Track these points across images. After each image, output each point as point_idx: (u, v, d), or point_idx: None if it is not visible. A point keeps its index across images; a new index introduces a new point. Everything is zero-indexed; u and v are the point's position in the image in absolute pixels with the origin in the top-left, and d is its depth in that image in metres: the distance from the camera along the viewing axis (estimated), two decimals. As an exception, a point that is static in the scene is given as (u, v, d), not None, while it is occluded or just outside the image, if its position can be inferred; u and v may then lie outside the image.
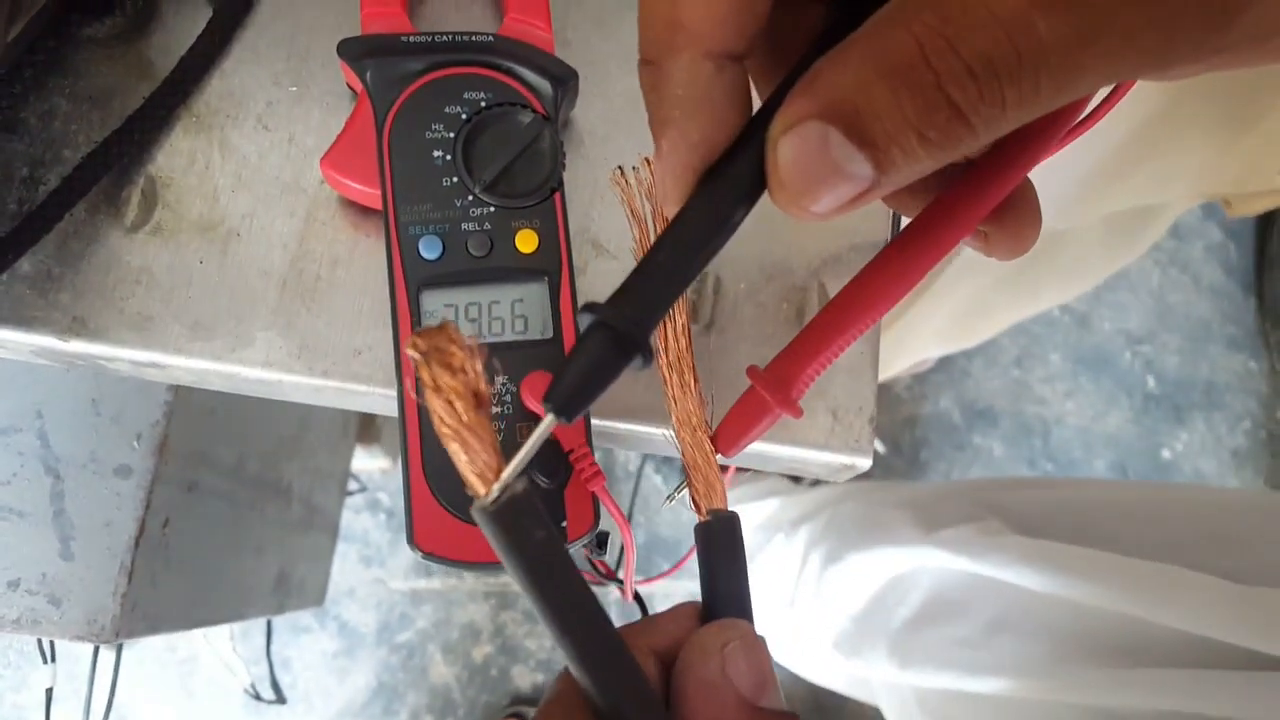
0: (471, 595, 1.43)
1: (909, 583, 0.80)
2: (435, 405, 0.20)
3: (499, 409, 0.35)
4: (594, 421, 0.38)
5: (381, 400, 0.38)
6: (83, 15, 0.38)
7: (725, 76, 0.22)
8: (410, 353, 0.20)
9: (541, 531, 0.20)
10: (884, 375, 1.38)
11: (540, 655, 1.42)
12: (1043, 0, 0.17)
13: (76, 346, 0.37)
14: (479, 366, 0.21)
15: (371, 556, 1.44)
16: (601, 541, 0.37)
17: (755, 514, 1.17)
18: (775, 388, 0.30)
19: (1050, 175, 0.73)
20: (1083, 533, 0.66)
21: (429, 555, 0.33)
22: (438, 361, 0.20)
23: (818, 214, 0.21)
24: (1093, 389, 1.64)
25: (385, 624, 1.42)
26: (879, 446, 1.52)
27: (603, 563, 0.38)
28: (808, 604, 0.93)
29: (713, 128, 0.22)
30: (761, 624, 0.27)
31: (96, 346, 0.37)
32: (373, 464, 1.33)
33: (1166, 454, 1.63)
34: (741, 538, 0.31)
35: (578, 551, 0.35)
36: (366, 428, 1.18)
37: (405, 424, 0.34)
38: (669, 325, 0.34)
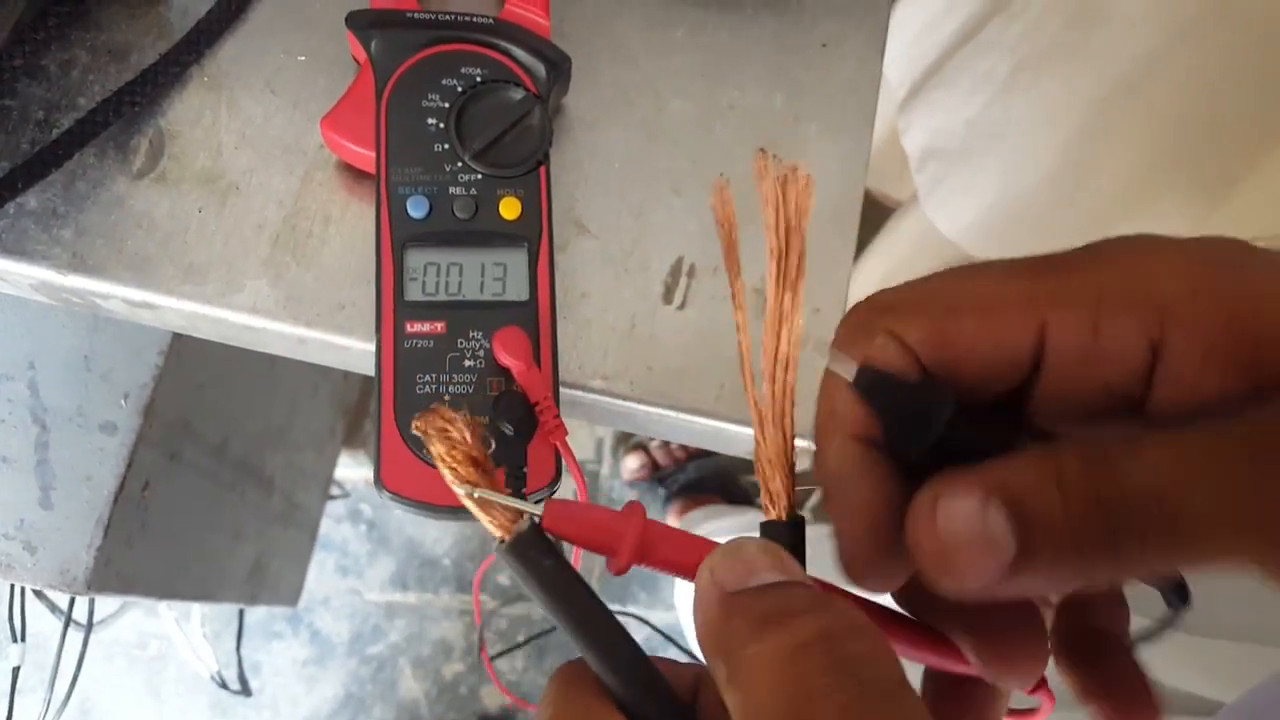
0: (446, 612, 1.43)
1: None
2: (444, 471, 0.24)
3: (472, 363, 0.36)
4: (605, 399, 0.40)
5: (360, 356, 0.40)
6: (109, -28, 0.40)
7: (871, 453, 0.24)
8: (416, 433, 0.25)
9: (549, 559, 0.24)
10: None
11: (510, 677, 1.41)
12: (1198, 467, 0.19)
13: (74, 281, 0.38)
14: (470, 437, 0.24)
15: (349, 567, 1.44)
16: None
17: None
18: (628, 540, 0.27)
19: (1026, 241, 0.75)
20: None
21: (395, 495, 0.35)
22: (439, 439, 0.24)
23: (957, 584, 0.21)
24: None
25: (358, 635, 1.42)
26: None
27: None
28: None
29: (865, 496, 0.24)
30: None
31: (93, 283, 0.38)
32: (358, 473, 1.34)
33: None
34: (805, 541, 0.29)
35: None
36: (353, 432, 1.19)
37: (381, 369, 0.36)
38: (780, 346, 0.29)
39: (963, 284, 0.24)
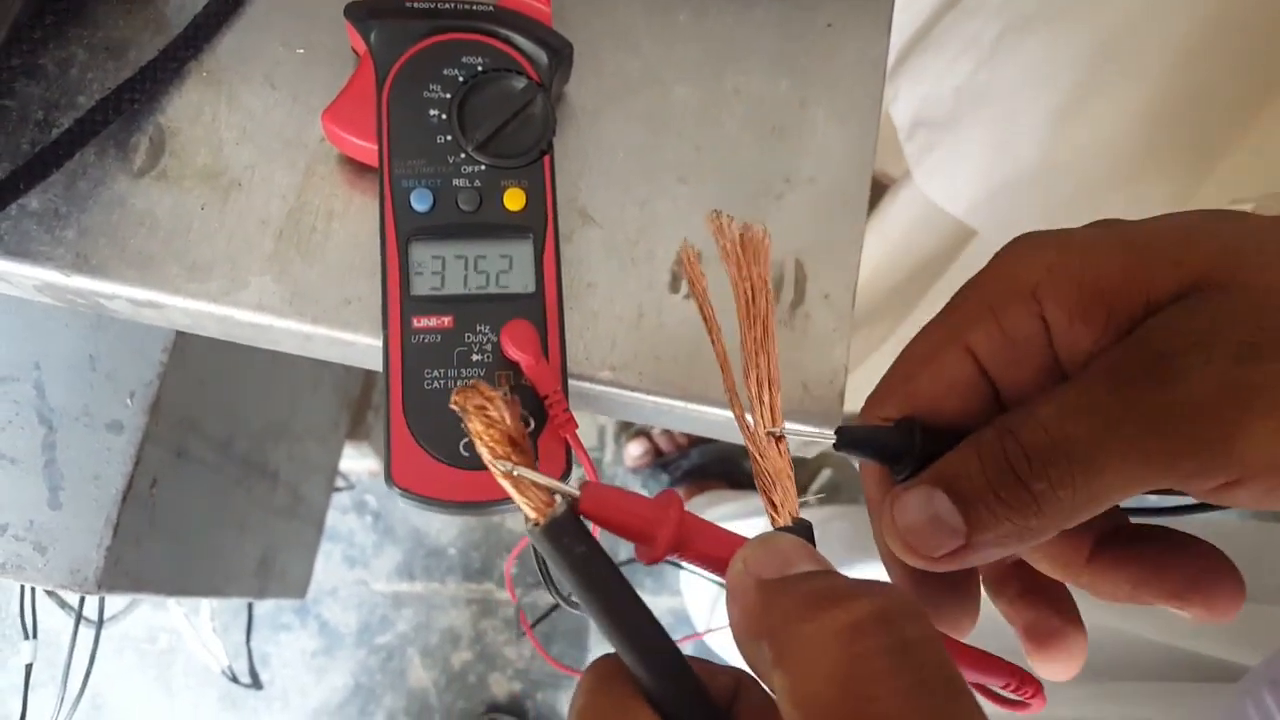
0: (453, 600, 1.43)
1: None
2: (481, 450, 0.24)
3: (480, 357, 0.36)
4: (613, 390, 0.40)
5: (367, 351, 0.39)
6: (104, -32, 0.40)
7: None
8: (454, 408, 0.24)
9: (582, 546, 0.23)
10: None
11: (519, 664, 1.42)
12: (1072, 407, 0.24)
13: (78, 282, 0.38)
14: (509, 416, 0.24)
15: (356, 557, 1.44)
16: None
17: (744, 532, 1.17)
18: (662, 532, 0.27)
19: (1019, 207, 0.75)
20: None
21: (405, 492, 0.35)
22: (477, 415, 0.24)
23: (927, 560, 0.27)
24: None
25: (366, 625, 1.42)
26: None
27: None
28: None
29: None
30: None
31: (97, 283, 0.38)
32: (363, 464, 1.34)
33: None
34: (815, 543, 0.31)
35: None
36: (357, 424, 1.19)
37: (389, 367, 0.36)
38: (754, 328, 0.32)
39: (911, 350, 0.30)
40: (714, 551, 0.26)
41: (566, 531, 0.23)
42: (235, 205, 0.39)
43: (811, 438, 0.41)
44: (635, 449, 1.50)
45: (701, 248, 0.32)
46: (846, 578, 0.21)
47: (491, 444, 0.23)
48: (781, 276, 0.42)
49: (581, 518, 0.24)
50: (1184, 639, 0.54)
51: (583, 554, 0.23)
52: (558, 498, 0.24)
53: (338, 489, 1.23)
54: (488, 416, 0.24)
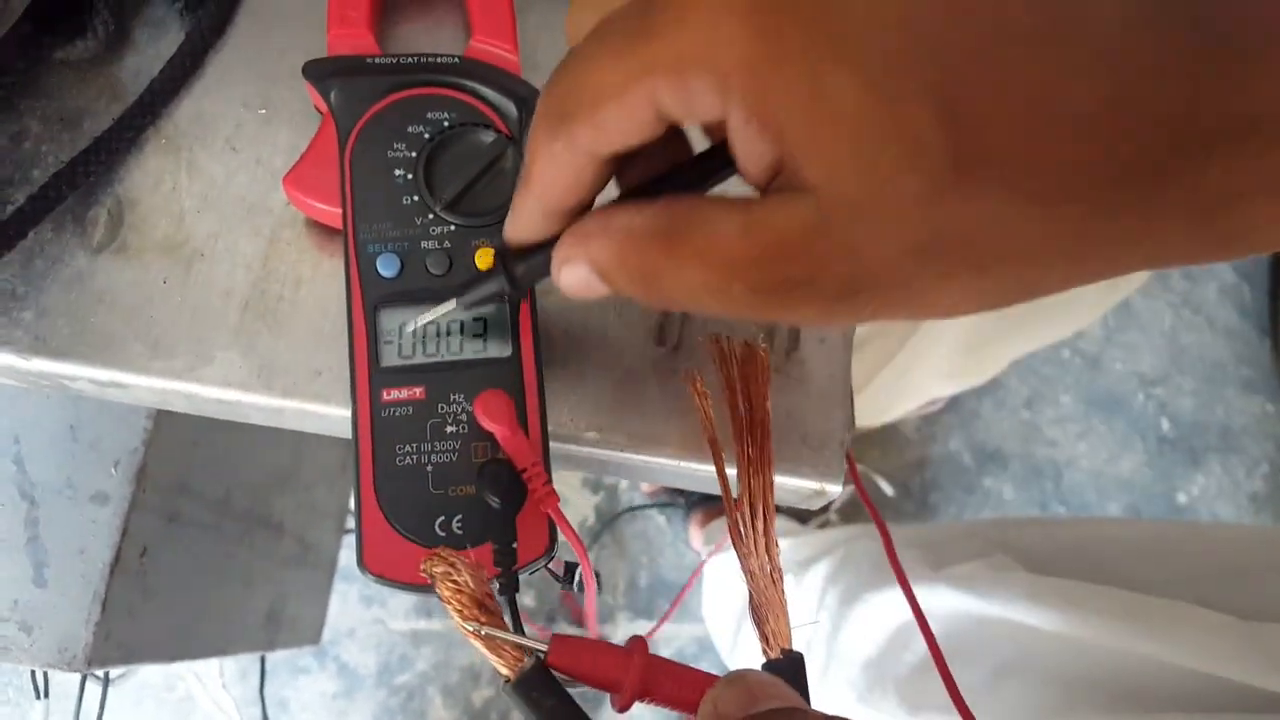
0: (473, 637, 1.41)
1: (915, 627, 0.79)
2: (450, 612, 0.26)
3: (454, 429, 0.34)
4: (600, 452, 0.38)
5: (340, 423, 0.38)
6: (54, 38, 0.38)
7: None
8: (423, 575, 0.27)
9: (552, 699, 0.25)
10: (891, 416, 1.36)
11: None
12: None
13: (38, 365, 0.37)
14: (474, 581, 0.26)
15: (372, 596, 1.43)
16: (570, 573, 0.36)
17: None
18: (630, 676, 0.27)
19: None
20: (1093, 569, 0.64)
21: (379, 578, 0.33)
22: (443, 582, 0.26)
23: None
24: (1105, 431, 1.62)
25: (385, 665, 1.41)
26: (887, 489, 1.50)
27: (574, 601, 0.38)
28: (824, 646, 0.91)
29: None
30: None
31: (58, 365, 0.37)
32: (375, 502, 1.32)
33: (1182, 498, 1.60)
34: (806, 675, 0.31)
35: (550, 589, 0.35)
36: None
37: (358, 446, 0.34)
38: (751, 476, 0.33)
39: (584, 77, 0.24)
40: (682, 693, 0.26)
41: (536, 686, 0.25)
42: (198, 277, 0.38)
43: (813, 492, 0.39)
44: (650, 475, 1.47)
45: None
46: (813, 715, 0.21)
47: (459, 608, 0.26)
48: (775, 323, 0.40)
49: (552, 671, 0.25)
50: (1231, 670, 0.51)
51: (551, 707, 0.25)
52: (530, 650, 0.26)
53: (348, 530, 1.21)
54: (454, 582, 0.26)
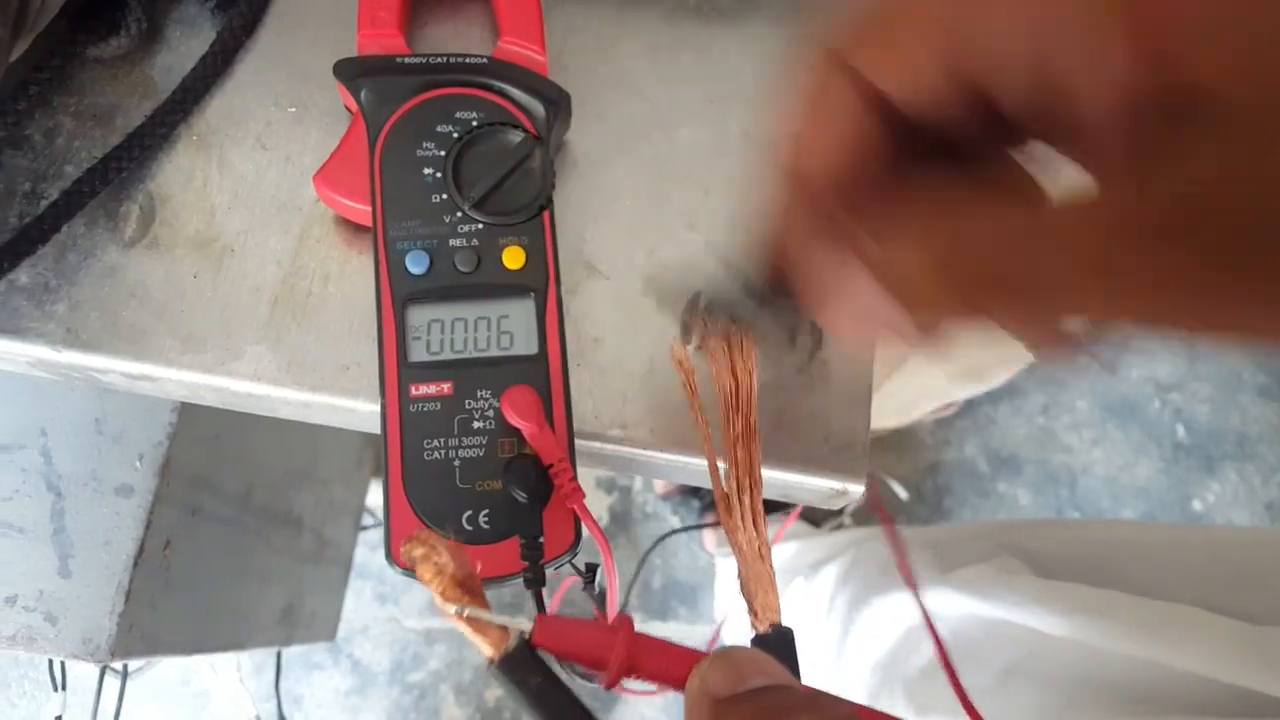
0: (485, 635, 1.41)
1: (924, 629, 0.79)
2: (433, 594, 0.25)
3: (481, 424, 0.34)
4: (624, 449, 0.38)
5: (368, 417, 0.38)
6: (88, 35, 0.39)
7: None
8: (403, 559, 0.26)
9: (537, 678, 0.25)
10: (906, 420, 1.36)
11: None
12: None
13: (70, 358, 0.37)
14: (454, 562, 0.25)
15: (386, 594, 1.43)
16: (591, 572, 0.37)
17: (774, 557, 1.15)
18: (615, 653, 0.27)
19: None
20: (1101, 572, 0.64)
21: (407, 571, 0.33)
22: (424, 565, 0.25)
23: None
24: (1121, 438, 1.61)
25: (398, 663, 1.41)
26: (901, 493, 1.50)
27: (595, 599, 0.38)
28: (834, 649, 0.91)
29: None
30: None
31: (90, 358, 0.37)
32: (390, 500, 1.33)
33: (1197, 505, 1.59)
34: (796, 649, 0.31)
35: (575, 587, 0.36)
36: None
37: (387, 439, 0.34)
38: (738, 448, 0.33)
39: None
40: (670, 669, 0.26)
41: (521, 665, 0.25)
42: (228, 272, 0.38)
43: (835, 492, 0.39)
44: (664, 476, 1.47)
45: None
46: (801, 690, 0.21)
47: (441, 589, 0.25)
48: (798, 324, 0.40)
49: (538, 651, 0.25)
50: (1238, 675, 0.51)
51: (538, 685, 0.24)
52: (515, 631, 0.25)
53: (365, 527, 1.22)
54: (435, 564, 0.25)
